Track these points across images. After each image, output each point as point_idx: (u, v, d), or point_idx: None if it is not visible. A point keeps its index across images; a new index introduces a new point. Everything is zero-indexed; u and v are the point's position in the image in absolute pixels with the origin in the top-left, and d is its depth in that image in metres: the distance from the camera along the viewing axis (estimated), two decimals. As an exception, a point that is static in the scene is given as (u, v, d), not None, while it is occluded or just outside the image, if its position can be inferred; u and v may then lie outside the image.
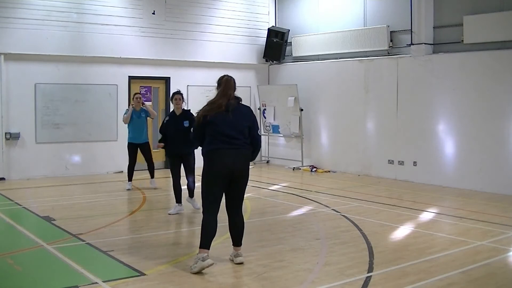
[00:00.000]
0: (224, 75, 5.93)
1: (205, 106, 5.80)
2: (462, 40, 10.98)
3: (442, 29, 11.56)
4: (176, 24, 13.91)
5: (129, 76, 13.44)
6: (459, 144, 11.09)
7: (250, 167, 5.90)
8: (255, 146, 5.88)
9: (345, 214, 8.36)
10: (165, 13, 13.77)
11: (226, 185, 5.71)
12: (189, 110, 8.77)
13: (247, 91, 15.25)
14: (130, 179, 10.88)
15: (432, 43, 11.70)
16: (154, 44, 13.63)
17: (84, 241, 6.78)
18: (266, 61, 15.43)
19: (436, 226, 7.88)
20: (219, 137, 5.64)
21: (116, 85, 13.20)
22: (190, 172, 8.61)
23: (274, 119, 14.91)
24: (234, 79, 5.92)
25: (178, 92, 8.78)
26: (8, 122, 11.91)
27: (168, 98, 14.00)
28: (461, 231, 7.47)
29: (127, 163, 11.03)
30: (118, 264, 5.87)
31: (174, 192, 8.62)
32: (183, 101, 8.68)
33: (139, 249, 6.48)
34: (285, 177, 12.39)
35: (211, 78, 15.37)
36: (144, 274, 5.48)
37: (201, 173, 5.79)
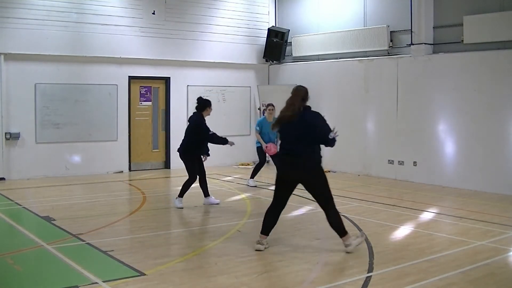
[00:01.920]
0: (297, 86, 6.43)
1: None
2: (462, 40, 10.98)
3: (442, 29, 11.56)
4: (176, 24, 13.92)
5: (129, 76, 13.44)
6: (459, 144, 11.09)
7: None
8: (324, 144, 6.23)
9: (345, 214, 8.35)
10: (165, 13, 13.77)
11: (290, 188, 6.40)
12: None
13: (247, 91, 15.25)
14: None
15: (432, 43, 11.70)
16: (154, 44, 13.63)
17: (84, 241, 6.78)
18: (266, 61, 15.42)
19: (436, 226, 7.88)
20: (282, 145, 6.38)
21: (116, 85, 13.20)
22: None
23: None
24: (304, 89, 6.32)
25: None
26: (8, 122, 11.91)
27: (168, 98, 14.02)
28: (461, 231, 7.47)
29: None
30: (118, 264, 5.87)
31: (202, 188, 9.17)
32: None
33: (139, 249, 6.48)
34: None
35: (211, 78, 15.63)
36: (144, 274, 5.48)
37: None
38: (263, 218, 6.48)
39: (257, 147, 11.41)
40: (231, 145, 9.22)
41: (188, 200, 9.16)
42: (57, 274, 5.67)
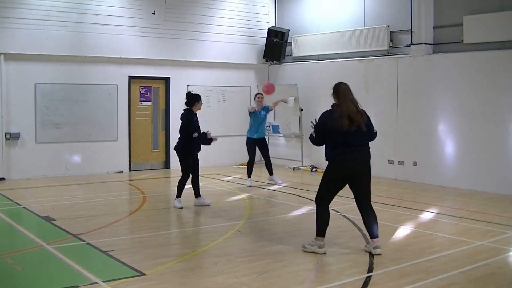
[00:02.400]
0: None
1: None
2: (462, 40, 10.98)
3: (442, 29, 11.56)
4: (176, 24, 13.91)
5: (129, 76, 13.44)
6: (459, 144, 11.09)
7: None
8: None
9: (345, 214, 8.36)
10: (165, 13, 13.77)
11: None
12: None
13: (247, 91, 15.25)
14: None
15: (432, 43, 11.70)
16: (154, 44, 13.63)
17: (84, 241, 6.78)
18: (266, 61, 15.42)
19: (436, 226, 7.88)
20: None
21: (116, 85, 13.20)
22: None
23: (274, 119, 14.90)
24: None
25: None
26: (8, 122, 11.91)
27: (168, 98, 14.01)
28: (461, 231, 7.47)
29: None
30: (118, 264, 5.87)
31: (193, 187, 9.14)
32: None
33: (139, 249, 6.48)
34: (285, 177, 12.38)
35: (211, 78, 15.63)
36: (144, 274, 5.48)
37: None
38: (322, 221, 6.24)
39: (248, 138, 11.48)
40: (215, 140, 9.18)
41: (188, 200, 9.16)
42: (57, 274, 5.67)
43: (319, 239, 6.25)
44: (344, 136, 6.11)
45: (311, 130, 6.36)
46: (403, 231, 7.50)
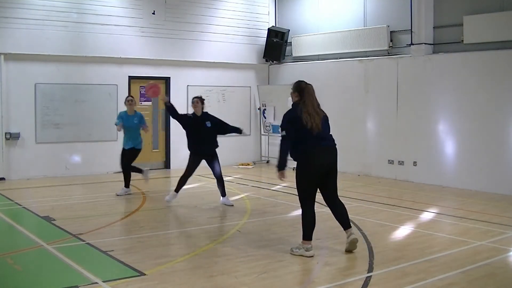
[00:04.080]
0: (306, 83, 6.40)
1: None
2: (462, 40, 10.98)
3: (442, 29, 11.56)
4: (176, 24, 13.91)
5: (129, 76, 13.44)
6: (459, 144, 11.09)
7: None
8: None
9: (345, 214, 8.34)
10: (165, 13, 13.77)
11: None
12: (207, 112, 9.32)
13: (247, 91, 15.25)
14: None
15: (432, 43, 11.70)
16: (154, 44, 13.63)
17: (84, 241, 6.78)
18: (266, 61, 15.42)
19: (436, 226, 7.88)
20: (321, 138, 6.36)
21: (116, 85, 13.21)
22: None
23: (274, 119, 14.89)
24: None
25: (196, 96, 9.37)
26: (8, 122, 11.91)
27: (168, 98, 14.00)
28: (461, 231, 7.47)
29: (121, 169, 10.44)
30: (118, 264, 5.87)
31: (179, 182, 9.13)
32: (202, 104, 9.17)
33: (139, 249, 6.48)
34: (285, 177, 12.36)
35: (211, 78, 15.62)
36: (144, 274, 5.48)
37: None
38: (307, 225, 6.23)
39: (123, 149, 10.26)
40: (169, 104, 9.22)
41: (188, 200, 9.17)
42: (57, 274, 5.67)
43: (306, 242, 6.21)
44: (314, 131, 6.16)
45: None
46: (403, 231, 7.51)
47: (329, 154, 6.31)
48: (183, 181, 9.16)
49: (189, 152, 9.26)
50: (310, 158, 6.20)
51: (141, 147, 10.44)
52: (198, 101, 9.14)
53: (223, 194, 9.23)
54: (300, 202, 6.36)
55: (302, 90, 6.31)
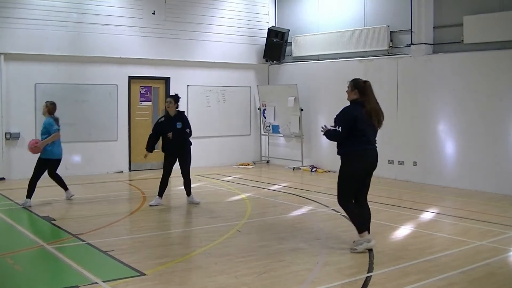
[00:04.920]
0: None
1: None
2: (462, 40, 10.98)
3: (442, 29, 11.56)
4: (176, 24, 13.91)
5: (129, 76, 13.44)
6: (459, 144, 11.09)
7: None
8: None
9: (345, 214, 8.34)
10: (165, 13, 13.77)
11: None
12: (183, 112, 9.35)
13: (247, 91, 15.25)
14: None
15: (432, 43, 11.70)
16: (154, 44, 13.63)
17: (84, 241, 6.78)
18: (266, 61, 15.42)
19: (436, 226, 7.88)
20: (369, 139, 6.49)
21: (116, 85, 13.20)
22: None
23: (274, 119, 14.90)
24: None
25: (170, 96, 9.38)
26: (8, 122, 11.91)
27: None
28: (461, 231, 7.47)
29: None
30: (118, 264, 5.87)
31: (160, 186, 9.10)
32: (175, 103, 9.16)
33: (139, 249, 6.48)
34: (285, 177, 12.39)
35: (211, 78, 15.61)
36: (144, 274, 5.48)
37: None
38: (357, 218, 6.42)
39: (43, 159, 9.53)
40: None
41: (186, 201, 9.16)
42: (57, 274, 5.67)
43: (363, 234, 6.33)
44: (371, 132, 6.32)
45: (316, 131, 6.44)
46: (403, 231, 7.51)
47: (376, 155, 6.44)
48: (163, 183, 9.13)
49: (163, 153, 9.25)
50: (364, 156, 6.30)
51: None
52: (172, 101, 9.19)
53: (189, 193, 9.25)
54: (339, 200, 6.45)
55: (362, 87, 6.42)
